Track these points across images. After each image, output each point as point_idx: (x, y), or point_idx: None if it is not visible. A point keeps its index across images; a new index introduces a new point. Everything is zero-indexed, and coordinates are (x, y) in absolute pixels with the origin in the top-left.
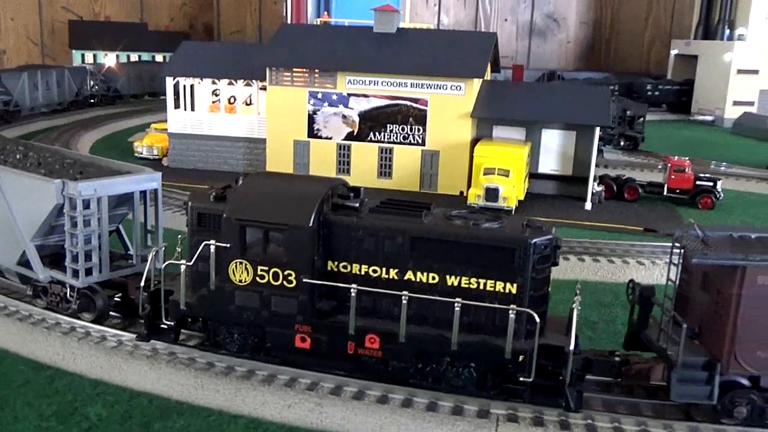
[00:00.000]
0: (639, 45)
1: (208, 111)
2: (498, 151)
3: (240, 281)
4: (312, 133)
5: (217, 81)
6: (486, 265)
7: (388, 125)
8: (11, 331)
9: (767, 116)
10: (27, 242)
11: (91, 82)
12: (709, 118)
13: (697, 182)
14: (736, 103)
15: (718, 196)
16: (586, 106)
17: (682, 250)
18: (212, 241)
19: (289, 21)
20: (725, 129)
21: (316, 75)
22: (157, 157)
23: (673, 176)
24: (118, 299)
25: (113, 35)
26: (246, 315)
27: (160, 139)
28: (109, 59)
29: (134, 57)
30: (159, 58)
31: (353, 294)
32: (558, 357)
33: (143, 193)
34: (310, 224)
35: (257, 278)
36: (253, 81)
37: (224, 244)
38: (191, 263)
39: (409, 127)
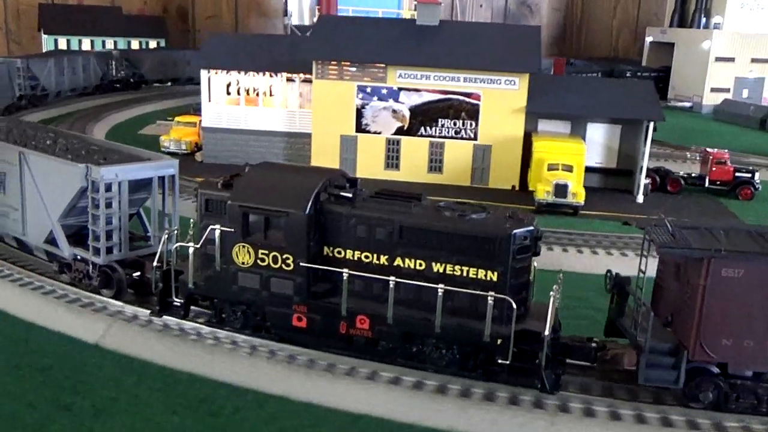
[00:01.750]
0: (608, 32)
1: (246, 104)
2: (559, 147)
3: (242, 263)
4: (360, 127)
5: (253, 73)
6: (469, 254)
7: (440, 120)
8: (192, 353)
9: (750, 103)
10: (54, 222)
11: (117, 67)
12: (687, 104)
13: (737, 174)
14: (713, 90)
15: (756, 187)
16: (635, 101)
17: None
18: (218, 226)
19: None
20: (705, 115)
21: (366, 69)
22: (185, 151)
23: (714, 168)
24: (137, 277)
25: (86, 20)
26: (248, 295)
27: (188, 132)
28: (85, 45)
29: (109, 43)
30: (135, 44)
31: (345, 278)
32: (537, 341)
33: (162, 178)
34: (307, 212)
35: (258, 261)
36: (279, 74)
37: (229, 229)
38: (199, 246)
39: (461, 121)
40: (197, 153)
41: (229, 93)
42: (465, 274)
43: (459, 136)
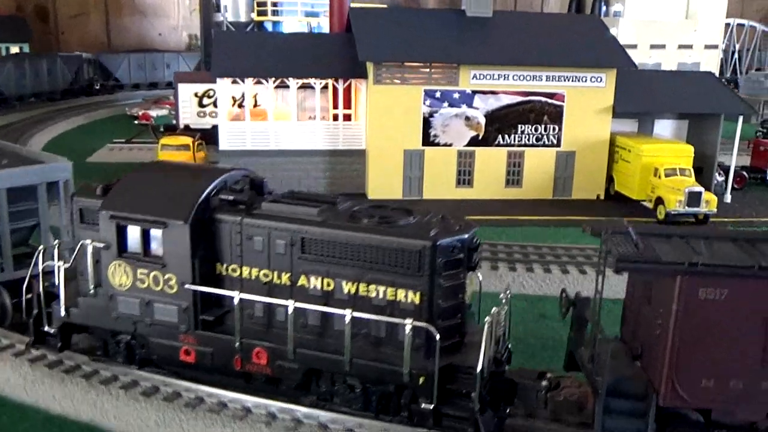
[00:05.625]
0: None
1: (275, 120)
2: (668, 149)
3: (120, 285)
4: (427, 140)
5: (283, 81)
6: (384, 270)
7: (519, 125)
8: None
9: None
10: None
11: (90, 71)
12: None
13: None
14: None
15: None
16: (709, 94)
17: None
18: (89, 240)
19: None
20: None
21: (434, 70)
22: None
23: None
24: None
25: None
26: (128, 324)
27: (185, 158)
28: None
29: None
30: None
31: (236, 302)
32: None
33: (52, 185)
34: (189, 221)
35: (137, 282)
36: (317, 80)
37: (101, 244)
38: (70, 264)
39: (543, 126)
40: None
41: (255, 105)
42: (380, 295)
43: (540, 143)
